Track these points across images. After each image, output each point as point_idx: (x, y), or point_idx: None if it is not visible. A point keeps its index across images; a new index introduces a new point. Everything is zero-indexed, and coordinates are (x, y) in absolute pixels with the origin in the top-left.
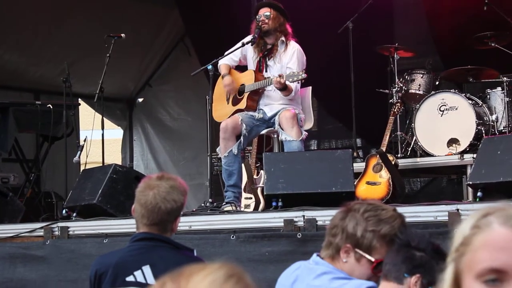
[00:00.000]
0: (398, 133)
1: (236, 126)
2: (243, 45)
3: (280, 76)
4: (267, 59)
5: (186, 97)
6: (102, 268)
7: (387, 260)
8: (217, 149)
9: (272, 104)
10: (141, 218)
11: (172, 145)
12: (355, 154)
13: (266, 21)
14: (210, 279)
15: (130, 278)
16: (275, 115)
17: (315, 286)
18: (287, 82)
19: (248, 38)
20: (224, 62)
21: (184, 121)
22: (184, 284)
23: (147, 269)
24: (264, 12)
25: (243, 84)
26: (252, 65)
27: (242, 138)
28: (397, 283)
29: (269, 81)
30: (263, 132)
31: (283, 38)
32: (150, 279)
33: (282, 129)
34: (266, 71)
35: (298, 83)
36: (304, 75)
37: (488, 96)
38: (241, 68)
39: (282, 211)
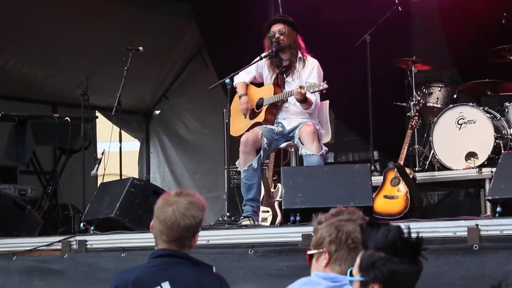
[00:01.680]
0: (416, 146)
1: (257, 140)
2: (261, 58)
3: (301, 87)
4: (284, 75)
5: (203, 109)
6: (121, 284)
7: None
8: (237, 163)
9: (291, 118)
10: (160, 234)
11: (189, 157)
12: (372, 167)
13: (282, 37)
14: None
15: None
16: (294, 129)
17: None
18: (308, 95)
19: (264, 54)
20: (239, 81)
21: (200, 134)
22: None
23: (166, 285)
24: (278, 28)
25: (261, 98)
26: (268, 82)
27: (262, 152)
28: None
29: (290, 93)
30: (282, 146)
31: (300, 55)
32: None
33: (302, 144)
34: (284, 87)
35: (317, 96)
36: (325, 85)
37: (506, 109)
38: (257, 85)
39: (300, 226)
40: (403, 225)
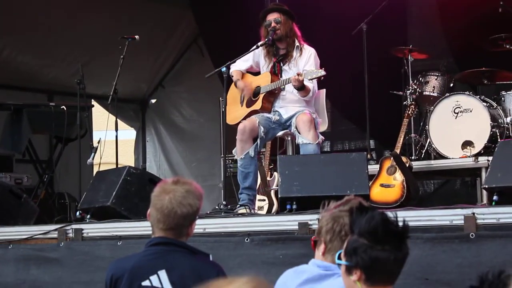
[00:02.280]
0: (412, 135)
1: (254, 128)
2: (257, 47)
3: (299, 74)
4: (281, 64)
5: (199, 98)
6: (118, 273)
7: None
8: (233, 151)
9: (288, 106)
10: (156, 222)
11: (185, 146)
12: (368, 156)
13: (278, 26)
14: None
15: (146, 283)
16: (291, 117)
17: None
18: (305, 82)
19: (261, 43)
20: (235, 69)
21: (196, 122)
22: None
23: (163, 273)
24: (274, 17)
25: (258, 86)
26: (265, 71)
27: (258, 141)
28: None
29: (287, 81)
30: (279, 134)
31: (297, 43)
32: (166, 284)
33: (299, 132)
34: (281, 76)
35: (314, 84)
36: (323, 72)
37: (502, 98)
38: (254, 74)
39: (296, 214)
40: (390, 213)
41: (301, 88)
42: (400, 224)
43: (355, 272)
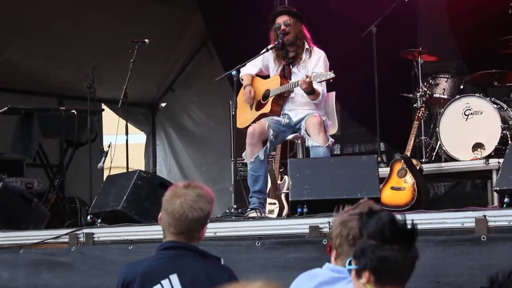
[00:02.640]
0: (423, 137)
1: (263, 132)
2: (267, 50)
3: (307, 76)
4: (291, 66)
5: (209, 101)
6: (130, 277)
7: None
8: (243, 154)
9: (297, 109)
10: (168, 226)
11: (195, 149)
12: (379, 159)
13: (287, 29)
14: None
15: (157, 287)
16: (301, 120)
17: None
18: (314, 85)
19: (270, 46)
20: (245, 72)
21: (206, 126)
22: None
23: (174, 278)
24: (284, 20)
25: (268, 89)
26: (275, 74)
27: (268, 144)
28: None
29: (296, 83)
30: (289, 137)
31: (306, 46)
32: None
33: (309, 135)
34: (290, 78)
35: (323, 87)
36: (332, 75)
37: None
38: (263, 78)
39: (307, 218)
40: (399, 215)
41: (310, 92)
42: (409, 225)
43: (364, 274)
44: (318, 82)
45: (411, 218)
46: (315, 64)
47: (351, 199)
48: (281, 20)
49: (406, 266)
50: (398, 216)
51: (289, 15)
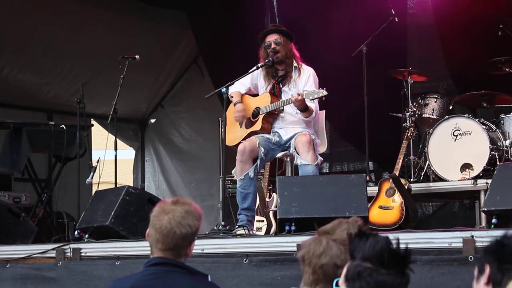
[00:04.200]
0: (411, 157)
1: (254, 149)
2: (257, 68)
3: (298, 94)
4: (281, 85)
5: (198, 118)
6: None
7: None
8: (233, 171)
9: (287, 127)
10: (155, 243)
11: (184, 166)
12: (367, 177)
13: (278, 48)
14: None
15: None
16: (290, 138)
17: None
18: (308, 102)
19: (261, 64)
20: (235, 90)
21: (195, 143)
22: None
23: None
24: (274, 39)
25: (258, 107)
26: (264, 92)
27: (258, 162)
28: None
29: (287, 101)
30: (278, 155)
31: (295, 64)
32: None
33: (298, 153)
34: (280, 97)
35: (316, 103)
36: (325, 92)
37: (502, 121)
38: (252, 95)
39: (295, 235)
40: (391, 236)
41: (304, 109)
42: (403, 248)
43: None
44: (311, 100)
45: (401, 238)
46: (305, 81)
47: (339, 218)
48: (272, 38)
49: None
50: (391, 238)
51: (280, 33)
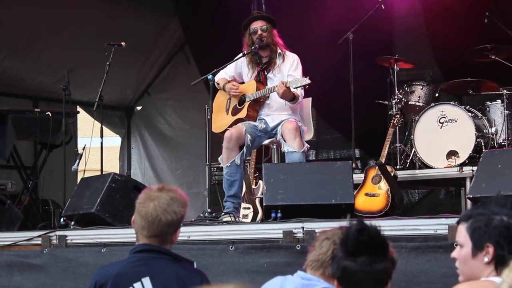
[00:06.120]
0: (397, 144)
1: (240, 136)
2: (244, 55)
3: (283, 82)
4: (265, 72)
5: (185, 105)
6: (102, 280)
7: None
8: (219, 159)
9: (273, 114)
10: (141, 229)
11: (170, 153)
12: (354, 165)
13: (264, 34)
14: None
15: None
16: (277, 125)
17: None
18: (292, 90)
19: (247, 51)
20: (221, 77)
21: (182, 130)
22: None
23: (146, 281)
24: (260, 25)
25: (244, 94)
26: (249, 79)
27: (245, 149)
28: None
29: (272, 89)
30: (265, 142)
31: (279, 51)
32: None
33: (285, 140)
34: (266, 84)
35: (302, 89)
36: (308, 81)
37: (487, 108)
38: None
39: (281, 223)
40: (372, 224)
41: (291, 99)
42: (378, 238)
43: (334, 282)
44: (294, 88)
45: (386, 225)
46: (289, 67)
47: (325, 205)
48: (257, 25)
49: (374, 278)
50: (372, 227)
51: (265, 20)
